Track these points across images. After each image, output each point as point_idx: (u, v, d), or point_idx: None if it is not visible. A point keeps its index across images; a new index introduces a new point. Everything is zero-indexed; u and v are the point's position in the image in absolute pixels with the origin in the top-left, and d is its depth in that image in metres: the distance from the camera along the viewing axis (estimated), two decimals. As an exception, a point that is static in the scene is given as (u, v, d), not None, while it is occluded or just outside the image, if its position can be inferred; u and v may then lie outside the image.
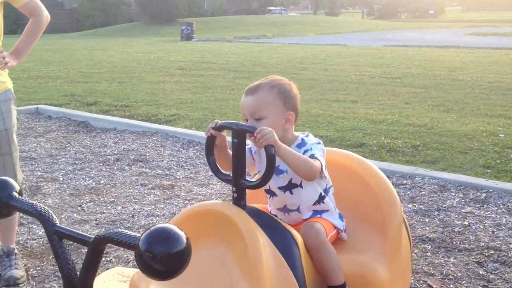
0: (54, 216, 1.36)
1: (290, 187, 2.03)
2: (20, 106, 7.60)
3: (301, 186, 2.03)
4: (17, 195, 1.43)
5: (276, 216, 2.07)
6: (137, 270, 2.25)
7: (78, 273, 1.34)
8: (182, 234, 1.09)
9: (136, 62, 14.73)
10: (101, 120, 7.14)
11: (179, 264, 1.07)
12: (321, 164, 1.94)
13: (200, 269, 1.66)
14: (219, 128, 1.86)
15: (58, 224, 1.34)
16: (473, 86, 10.09)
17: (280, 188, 2.03)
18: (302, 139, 2.04)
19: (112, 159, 5.46)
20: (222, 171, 1.91)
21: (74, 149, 5.89)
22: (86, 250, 1.28)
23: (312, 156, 1.92)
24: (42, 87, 9.87)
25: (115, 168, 5.18)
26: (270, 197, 2.07)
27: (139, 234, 1.15)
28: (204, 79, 11.44)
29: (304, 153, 1.95)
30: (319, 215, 2.05)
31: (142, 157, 5.53)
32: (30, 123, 7.14)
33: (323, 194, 2.07)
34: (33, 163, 5.32)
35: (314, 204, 2.06)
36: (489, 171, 4.89)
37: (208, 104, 8.38)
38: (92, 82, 10.74)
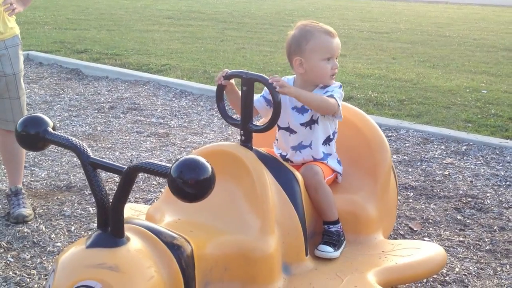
0: (88, 149, 1.54)
1: (310, 123, 2.26)
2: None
3: (317, 122, 2.26)
4: (51, 130, 1.59)
5: (286, 156, 2.28)
6: (147, 206, 2.44)
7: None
8: (208, 164, 1.28)
9: (123, 10, 14.54)
10: (92, 68, 7.19)
11: (206, 189, 1.27)
12: (337, 103, 2.17)
13: (211, 203, 1.85)
14: (229, 77, 2.02)
15: (92, 156, 1.52)
16: (459, 43, 10.26)
17: (302, 124, 2.25)
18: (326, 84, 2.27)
19: (107, 106, 5.57)
20: (231, 115, 2.09)
21: (68, 96, 5.98)
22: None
23: (331, 96, 2.17)
24: (31, 33, 9.79)
25: (110, 115, 5.31)
26: (289, 135, 2.27)
27: (169, 164, 1.34)
28: (193, 29, 11.41)
29: (325, 93, 2.19)
30: (325, 160, 2.26)
31: (136, 105, 5.65)
32: (21, 70, 7.16)
33: (331, 136, 2.31)
34: (28, 108, 5.41)
35: (324, 143, 2.29)
36: (470, 125, 5.13)
37: (198, 54, 8.43)
38: (80, 29, 10.66)
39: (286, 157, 2.31)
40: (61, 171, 3.91)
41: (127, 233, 1.57)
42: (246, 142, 2.00)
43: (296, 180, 2.03)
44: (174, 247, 1.60)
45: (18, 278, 2.61)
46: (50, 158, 4.15)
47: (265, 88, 2.11)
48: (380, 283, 1.87)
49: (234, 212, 1.86)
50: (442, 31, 11.89)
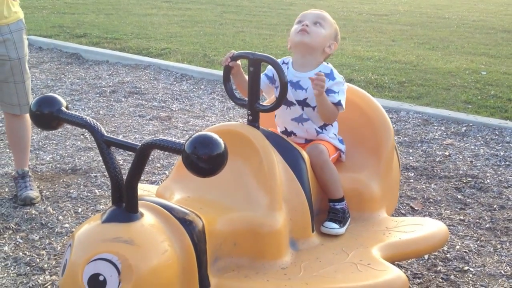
0: (101, 127, 1.57)
1: (303, 103, 2.29)
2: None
3: (313, 108, 2.29)
4: (65, 109, 1.63)
5: (288, 130, 2.34)
6: (156, 186, 2.49)
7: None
8: (221, 140, 1.32)
9: (120, -6, 14.46)
10: (92, 52, 7.20)
11: (219, 164, 1.31)
12: (342, 108, 2.25)
13: (220, 181, 1.90)
14: (236, 58, 2.06)
15: (106, 134, 1.56)
16: (458, 25, 10.26)
17: (297, 101, 2.29)
18: (332, 71, 2.30)
19: (108, 91, 5.60)
20: (238, 96, 2.13)
21: (70, 80, 6.00)
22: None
23: (339, 103, 2.22)
24: (29, 18, 9.74)
25: (112, 99, 5.33)
26: (287, 108, 2.30)
27: (183, 141, 1.38)
28: (192, 12, 11.37)
29: (330, 88, 2.23)
30: (326, 137, 2.32)
31: (137, 89, 5.68)
32: (21, 54, 7.15)
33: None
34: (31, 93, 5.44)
35: (320, 127, 2.36)
36: (470, 106, 5.17)
37: (197, 38, 8.43)
38: (78, 14, 10.63)
39: (288, 130, 2.34)
40: (66, 154, 3.95)
41: (140, 209, 1.61)
42: (253, 121, 2.05)
43: (302, 159, 2.08)
44: (186, 222, 1.65)
45: (28, 258, 2.65)
46: (54, 142, 4.19)
47: (269, 66, 2.15)
48: (384, 257, 1.92)
49: (243, 189, 1.90)
50: (441, 13, 11.88)
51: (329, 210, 2.18)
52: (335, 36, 2.36)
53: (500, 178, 3.66)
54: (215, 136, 1.35)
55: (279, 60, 2.33)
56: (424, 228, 2.15)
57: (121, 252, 1.50)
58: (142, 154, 1.49)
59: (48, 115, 1.62)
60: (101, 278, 1.48)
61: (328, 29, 2.32)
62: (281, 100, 2.00)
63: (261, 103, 2.06)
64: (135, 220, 1.57)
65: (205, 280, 1.68)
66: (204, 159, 1.31)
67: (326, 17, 2.35)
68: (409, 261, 2.66)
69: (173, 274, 1.58)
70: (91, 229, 1.57)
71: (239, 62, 2.12)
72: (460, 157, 4.02)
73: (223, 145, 1.34)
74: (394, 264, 2.01)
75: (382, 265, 1.85)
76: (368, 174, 2.28)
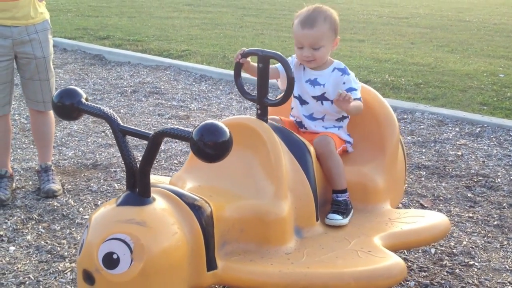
0: (118, 118, 1.70)
1: (321, 98, 2.40)
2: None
3: (331, 102, 2.39)
4: (85, 101, 1.75)
5: (301, 123, 2.45)
6: (168, 178, 2.61)
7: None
8: (226, 128, 1.43)
9: (143, -3, 14.72)
10: (115, 53, 7.39)
11: (224, 150, 1.42)
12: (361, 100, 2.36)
13: (229, 171, 2.01)
14: (246, 55, 2.17)
15: (122, 124, 1.68)
16: (478, 28, 10.22)
17: (313, 97, 2.40)
18: (345, 67, 2.40)
19: (129, 90, 5.76)
20: (249, 92, 2.24)
21: (92, 80, 6.18)
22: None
23: (359, 99, 2.34)
24: (54, 20, 10.01)
25: (132, 99, 5.49)
26: (302, 105, 2.43)
27: (191, 129, 1.50)
28: (213, 15, 11.54)
29: (346, 83, 2.35)
30: (336, 128, 2.44)
31: (157, 89, 5.83)
32: (47, 56, 7.38)
33: (345, 115, 2.48)
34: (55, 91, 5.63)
35: (337, 120, 2.47)
36: (485, 107, 5.20)
37: (217, 40, 8.57)
38: (102, 16, 10.87)
39: (302, 123, 2.47)
40: (87, 150, 4.10)
41: (153, 195, 1.73)
42: (262, 115, 2.16)
43: (308, 152, 2.18)
44: (195, 208, 1.76)
45: (50, 247, 2.79)
46: (77, 138, 4.35)
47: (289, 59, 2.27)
48: (386, 246, 2.00)
49: (251, 179, 2.01)
50: (462, 16, 11.84)
51: (332, 202, 2.27)
52: (334, 33, 2.35)
53: (511, 177, 3.70)
54: (221, 124, 1.45)
55: (291, 58, 2.44)
56: (426, 219, 2.22)
57: (134, 232, 1.61)
58: (154, 142, 1.61)
59: (69, 106, 1.75)
60: (114, 256, 1.60)
61: (327, 40, 2.31)
62: (289, 94, 2.11)
63: (269, 97, 2.17)
64: (147, 204, 1.69)
65: (212, 262, 1.79)
66: (210, 145, 1.42)
67: (320, 32, 2.29)
68: (415, 255, 2.73)
69: (182, 255, 1.69)
70: (106, 212, 1.69)
71: (249, 59, 2.24)
72: (473, 157, 4.06)
73: (228, 133, 1.45)
74: (397, 254, 2.09)
75: (382, 252, 1.93)
76: (373, 167, 2.36)
